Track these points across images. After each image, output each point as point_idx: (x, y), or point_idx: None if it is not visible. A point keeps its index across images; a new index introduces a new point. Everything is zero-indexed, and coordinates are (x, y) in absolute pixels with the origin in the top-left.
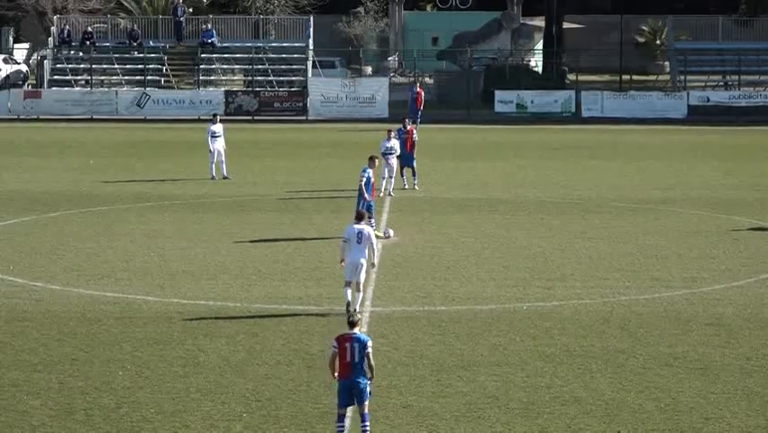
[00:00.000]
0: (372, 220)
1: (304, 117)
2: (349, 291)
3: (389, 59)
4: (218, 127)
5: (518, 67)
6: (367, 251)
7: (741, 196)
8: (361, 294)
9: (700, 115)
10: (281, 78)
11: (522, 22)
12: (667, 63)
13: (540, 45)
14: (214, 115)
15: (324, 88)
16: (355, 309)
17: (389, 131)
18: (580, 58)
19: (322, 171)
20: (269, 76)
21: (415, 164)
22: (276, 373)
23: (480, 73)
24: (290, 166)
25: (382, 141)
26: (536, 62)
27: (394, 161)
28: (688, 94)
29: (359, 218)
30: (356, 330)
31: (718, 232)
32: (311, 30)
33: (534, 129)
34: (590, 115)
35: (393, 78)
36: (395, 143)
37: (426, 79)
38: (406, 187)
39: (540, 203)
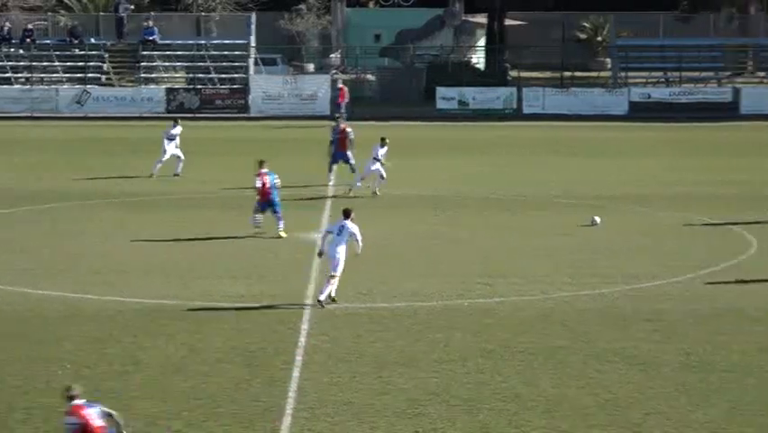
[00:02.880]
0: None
1: (246, 115)
2: (328, 290)
3: (332, 56)
4: (177, 131)
5: (460, 63)
6: (345, 245)
7: (683, 192)
8: (332, 286)
9: (642, 112)
10: (223, 76)
11: (464, 19)
12: (608, 60)
13: (482, 42)
14: (176, 120)
15: (265, 86)
16: (320, 301)
17: (383, 138)
18: (521, 54)
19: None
20: (211, 73)
21: (352, 162)
22: (216, 371)
23: (422, 70)
24: (232, 163)
25: (375, 147)
26: (478, 59)
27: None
28: (629, 90)
29: (346, 215)
30: None
31: (659, 228)
32: (253, 27)
33: (475, 126)
34: (532, 112)
35: (335, 76)
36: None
37: (369, 76)
38: (332, 184)
39: (483, 199)
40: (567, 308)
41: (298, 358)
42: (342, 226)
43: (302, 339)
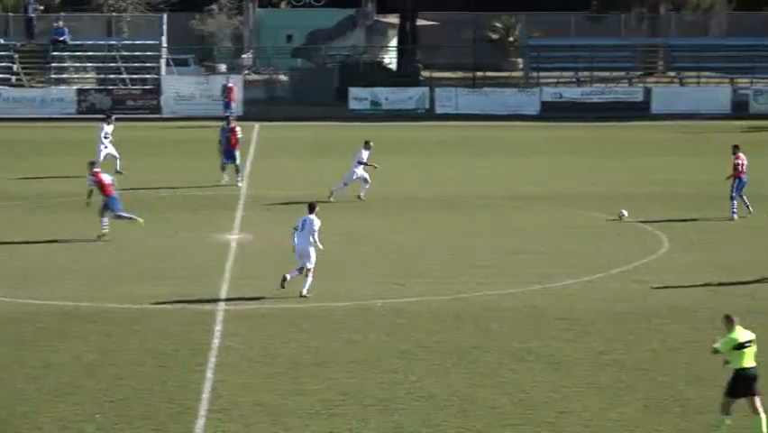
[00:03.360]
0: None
1: (158, 115)
2: (295, 272)
3: (243, 56)
4: (111, 128)
5: (372, 64)
6: (311, 238)
7: (595, 191)
8: (310, 279)
9: (553, 111)
10: (134, 76)
11: (376, 19)
12: (520, 60)
13: (394, 42)
14: (108, 116)
15: (177, 86)
16: (301, 293)
17: (367, 141)
18: (434, 55)
19: (176, 169)
20: (122, 74)
21: (238, 161)
22: (129, 373)
23: (334, 70)
24: (143, 164)
25: (360, 151)
26: (391, 59)
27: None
28: (541, 90)
29: (311, 209)
30: None
31: (572, 228)
32: (164, 27)
33: (388, 126)
34: (445, 112)
35: (247, 76)
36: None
37: (281, 77)
38: (224, 182)
39: (396, 200)
40: (480, 308)
41: (212, 360)
42: (305, 220)
43: (216, 341)
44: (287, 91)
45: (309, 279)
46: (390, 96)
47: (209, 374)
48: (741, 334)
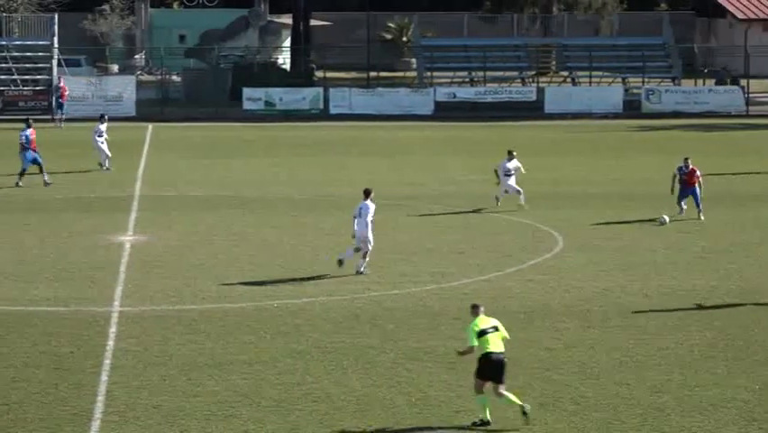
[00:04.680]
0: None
1: (50, 116)
2: (351, 251)
3: (136, 57)
4: (104, 126)
5: (266, 64)
6: (369, 222)
7: (489, 191)
8: (368, 259)
9: (447, 111)
10: (26, 77)
11: (269, 19)
12: (414, 60)
13: (288, 42)
14: (102, 116)
15: (70, 87)
16: (358, 270)
17: (510, 151)
18: (327, 55)
19: (70, 170)
20: (13, 74)
21: (41, 161)
22: (23, 376)
23: (227, 71)
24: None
25: (503, 162)
26: (284, 59)
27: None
28: (434, 90)
29: (366, 195)
30: None
31: (466, 227)
32: (56, 28)
33: (283, 126)
34: (339, 112)
35: (140, 76)
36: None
37: (174, 77)
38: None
39: (291, 200)
40: (377, 308)
41: (107, 362)
42: (362, 207)
43: (110, 342)
44: (180, 92)
45: (367, 259)
46: (284, 97)
47: (104, 377)
48: (483, 322)
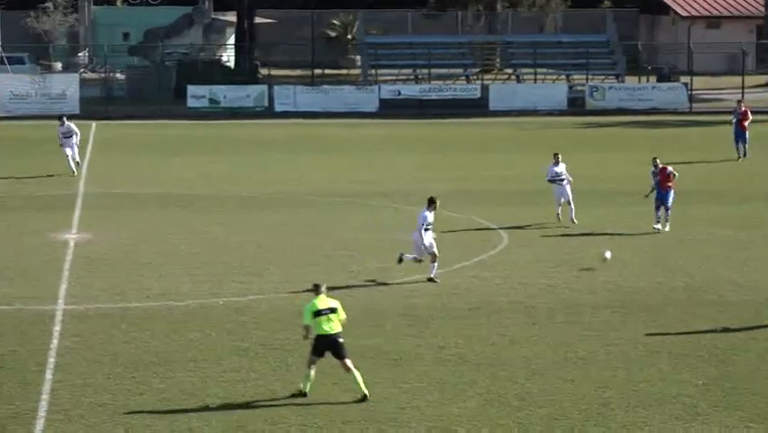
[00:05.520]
0: None
1: None
2: (411, 257)
3: (80, 54)
4: (65, 128)
5: (210, 62)
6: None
7: (434, 188)
8: (436, 264)
9: (392, 109)
10: None
11: (213, 17)
12: (358, 57)
13: (232, 40)
14: (61, 117)
15: (12, 85)
16: (430, 278)
17: (556, 154)
18: (272, 52)
19: (12, 168)
20: None
21: None
22: None
23: (171, 68)
24: None
25: (549, 166)
26: (228, 57)
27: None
28: (379, 87)
29: (430, 203)
30: None
31: (412, 224)
32: None
33: (227, 124)
34: (284, 110)
35: (84, 74)
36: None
37: (118, 75)
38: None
39: (237, 198)
40: None
41: (51, 360)
42: (424, 216)
43: (54, 341)
44: (124, 90)
45: (436, 264)
46: (229, 94)
47: (48, 375)
48: (321, 302)
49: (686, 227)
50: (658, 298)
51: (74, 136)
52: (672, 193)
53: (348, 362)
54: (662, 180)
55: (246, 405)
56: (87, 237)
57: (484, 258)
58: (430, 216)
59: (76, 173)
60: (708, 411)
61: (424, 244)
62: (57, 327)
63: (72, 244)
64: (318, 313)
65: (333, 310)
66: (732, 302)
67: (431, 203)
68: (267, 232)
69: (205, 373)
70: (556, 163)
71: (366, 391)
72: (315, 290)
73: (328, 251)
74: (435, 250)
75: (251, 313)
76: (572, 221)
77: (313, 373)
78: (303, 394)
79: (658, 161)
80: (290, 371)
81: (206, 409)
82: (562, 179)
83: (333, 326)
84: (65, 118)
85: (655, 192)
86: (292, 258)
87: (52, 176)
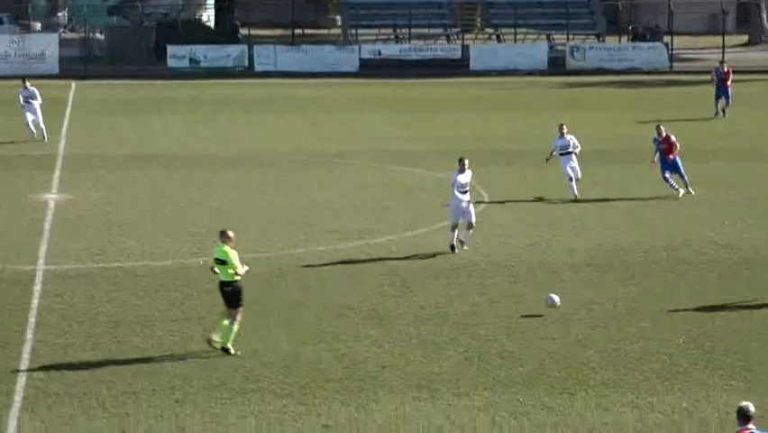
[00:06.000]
0: None
1: None
2: (453, 234)
3: (59, 14)
4: (29, 92)
5: (190, 21)
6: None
7: (415, 148)
8: (470, 231)
9: (372, 69)
10: None
11: None
12: (339, 17)
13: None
14: (24, 79)
15: None
16: (461, 243)
17: (561, 126)
18: (252, 12)
19: None
20: None
21: None
22: None
23: (151, 28)
24: None
25: (555, 138)
26: (209, 17)
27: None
28: (359, 47)
29: (461, 164)
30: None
31: (392, 184)
32: None
33: (207, 84)
34: (263, 69)
35: (63, 34)
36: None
37: (98, 35)
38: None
39: (215, 158)
40: (302, 265)
41: (32, 320)
42: (455, 179)
43: (35, 301)
44: (104, 49)
45: (470, 232)
46: (209, 54)
47: (29, 335)
48: (218, 251)
49: (666, 186)
50: (638, 257)
51: (36, 100)
52: (678, 160)
53: (235, 313)
54: (666, 150)
55: (227, 364)
56: (67, 198)
57: None
58: (462, 177)
59: (46, 139)
60: (688, 369)
61: (462, 209)
62: (37, 288)
63: (52, 204)
64: (219, 261)
65: (222, 262)
66: (712, 260)
67: (460, 163)
68: (247, 191)
69: (185, 332)
70: (561, 135)
71: (231, 348)
72: (221, 237)
73: (307, 210)
74: (473, 218)
75: None
76: (575, 196)
77: (220, 319)
78: (209, 342)
79: (662, 128)
80: (271, 331)
81: (188, 367)
82: (570, 152)
83: (225, 274)
84: (27, 82)
85: (660, 162)
86: (272, 218)
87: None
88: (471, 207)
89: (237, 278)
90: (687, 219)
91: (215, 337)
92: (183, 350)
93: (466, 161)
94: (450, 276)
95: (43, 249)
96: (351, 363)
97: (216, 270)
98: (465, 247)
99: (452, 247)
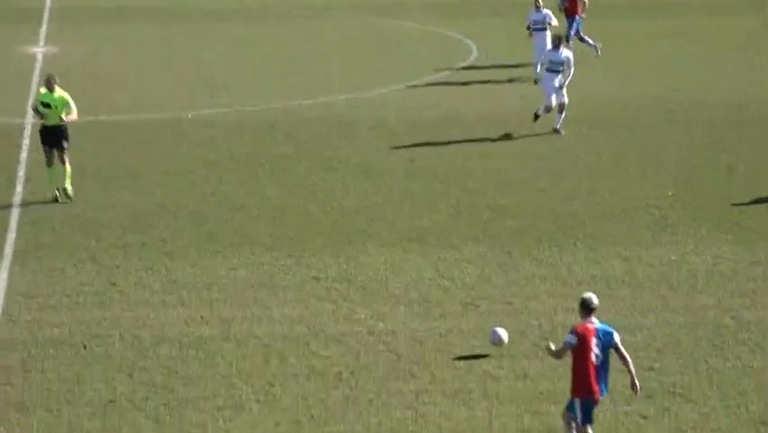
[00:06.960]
0: None
1: None
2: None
3: None
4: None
5: None
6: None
7: (403, 0)
8: (563, 115)
9: None
10: None
11: None
12: None
13: None
14: None
15: None
16: (555, 128)
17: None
18: None
19: None
20: None
21: None
22: None
23: None
24: None
25: (528, 13)
26: None
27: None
28: None
29: (554, 43)
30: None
31: (381, 37)
32: None
33: None
34: None
35: None
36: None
37: None
38: None
39: (200, 11)
40: (291, 118)
41: (21, 174)
42: (550, 60)
43: (24, 154)
44: None
45: (563, 114)
46: None
47: (18, 188)
48: (44, 96)
49: (651, 41)
50: (627, 112)
51: None
52: (577, 17)
53: (65, 157)
54: (569, 7)
55: (217, 217)
56: (55, 50)
57: (455, 70)
58: (556, 54)
59: None
60: (676, 222)
61: (554, 88)
62: (26, 141)
63: (40, 57)
64: (44, 105)
65: (47, 105)
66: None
67: (555, 41)
68: (234, 45)
69: (175, 185)
70: (537, 9)
71: (69, 188)
72: (45, 82)
73: (295, 63)
74: (566, 98)
75: (221, 126)
76: (556, 130)
77: (59, 167)
78: (57, 196)
79: None
80: (260, 184)
81: (177, 221)
82: (543, 28)
83: (51, 119)
84: None
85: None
86: (260, 71)
87: None
88: (564, 89)
89: (63, 121)
90: (675, 69)
91: (60, 187)
92: (174, 203)
93: (561, 38)
94: (440, 129)
95: (31, 101)
96: (340, 216)
97: (42, 113)
98: (563, 133)
99: (557, 130)
